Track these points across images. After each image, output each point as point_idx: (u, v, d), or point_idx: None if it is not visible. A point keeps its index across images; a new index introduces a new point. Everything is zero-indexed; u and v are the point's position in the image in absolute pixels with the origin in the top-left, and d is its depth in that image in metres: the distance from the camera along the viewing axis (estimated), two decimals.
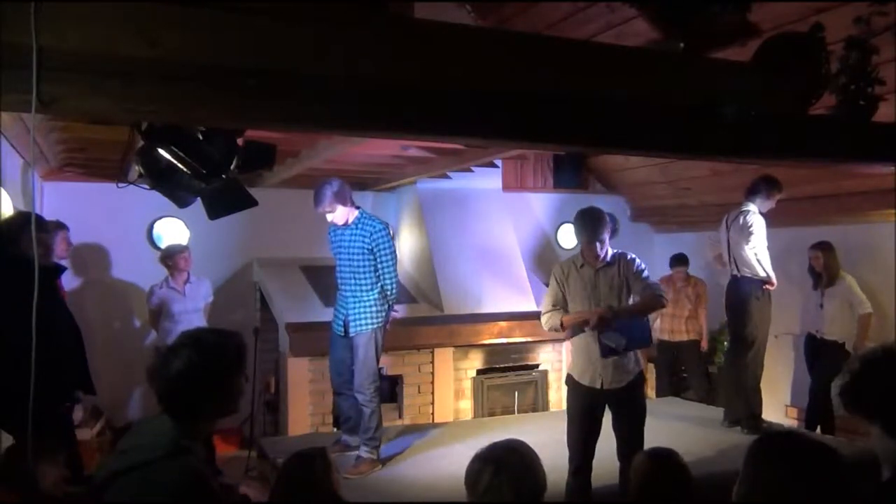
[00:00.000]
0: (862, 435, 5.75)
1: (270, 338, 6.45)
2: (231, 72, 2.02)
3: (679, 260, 6.98)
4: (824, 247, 6.01)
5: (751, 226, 5.27)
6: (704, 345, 6.96)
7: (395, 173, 6.67)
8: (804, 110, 3.05)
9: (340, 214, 4.74)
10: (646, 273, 4.06)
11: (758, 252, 5.29)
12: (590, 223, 3.95)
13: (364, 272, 4.79)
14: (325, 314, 5.22)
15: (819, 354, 6.07)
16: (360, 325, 4.76)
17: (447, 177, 6.81)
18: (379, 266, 4.80)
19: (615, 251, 4.06)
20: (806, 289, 6.27)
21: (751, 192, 5.38)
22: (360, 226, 4.81)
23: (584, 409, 4.09)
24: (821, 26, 2.99)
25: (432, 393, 6.42)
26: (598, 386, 4.04)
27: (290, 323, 5.98)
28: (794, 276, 6.38)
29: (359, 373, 4.74)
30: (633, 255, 4.10)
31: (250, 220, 6.18)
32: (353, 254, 4.79)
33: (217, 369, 2.05)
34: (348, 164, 5.94)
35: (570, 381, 4.20)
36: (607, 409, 4.10)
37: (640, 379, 4.16)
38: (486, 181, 7.13)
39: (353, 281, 4.80)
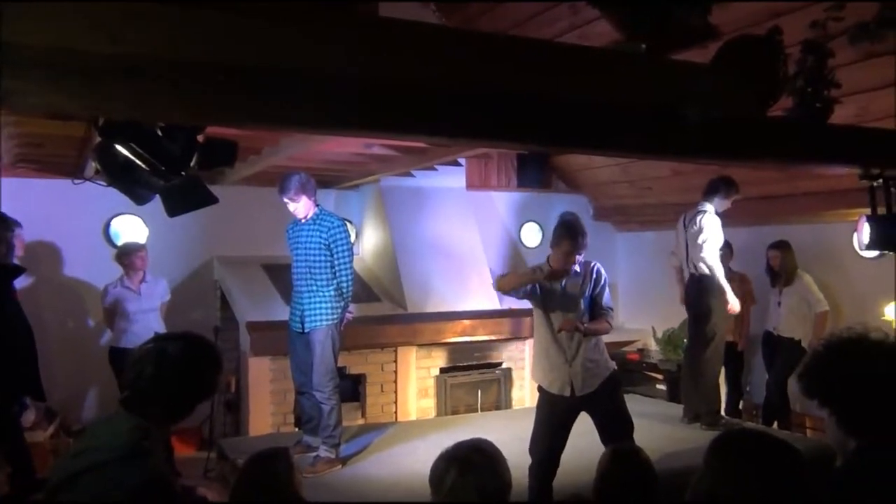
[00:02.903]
0: (817, 430, 5.93)
1: (231, 337, 6.39)
2: (196, 68, 2.00)
3: (724, 246, 6.19)
4: (782, 246, 6.14)
5: (704, 226, 5.36)
6: (742, 346, 6.57)
7: (358, 171, 6.66)
8: (763, 112, 3.12)
9: (303, 207, 4.75)
10: (606, 293, 4.07)
11: (705, 254, 5.32)
12: (574, 233, 3.91)
13: (320, 268, 4.79)
14: (286, 313, 5.19)
15: (776, 351, 6.21)
16: (316, 320, 4.76)
17: (411, 175, 6.82)
18: (336, 263, 4.81)
19: (582, 260, 4.04)
20: (763, 287, 6.41)
21: (708, 192, 5.48)
22: (318, 222, 4.81)
23: (555, 419, 4.01)
24: (778, 29, 3.05)
25: (395, 392, 6.42)
26: (567, 394, 3.98)
27: (251, 322, 5.94)
28: (751, 275, 6.52)
29: (316, 370, 4.73)
30: (600, 268, 4.09)
31: (211, 218, 6.10)
32: (310, 249, 4.79)
33: (195, 375, 2.03)
34: (311, 162, 5.91)
35: (540, 389, 4.14)
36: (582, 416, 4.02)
37: (615, 380, 4.09)
38: (449, 180, 7.15)
39: (309, 277, 4.80)
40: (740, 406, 6.72)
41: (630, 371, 7.74)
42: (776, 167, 4.86)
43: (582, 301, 4.02)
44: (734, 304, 5.37)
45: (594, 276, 4.05)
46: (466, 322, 6.59)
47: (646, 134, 2.89)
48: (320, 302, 4.78)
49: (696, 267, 5.47)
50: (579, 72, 2.66)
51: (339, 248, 4.80)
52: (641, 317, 8.21)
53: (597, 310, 4.03)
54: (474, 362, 6.79)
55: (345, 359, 5.75)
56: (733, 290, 6.43)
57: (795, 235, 6.25)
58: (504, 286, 4.06)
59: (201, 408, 2.37)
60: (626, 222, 8.46)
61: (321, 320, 4.76)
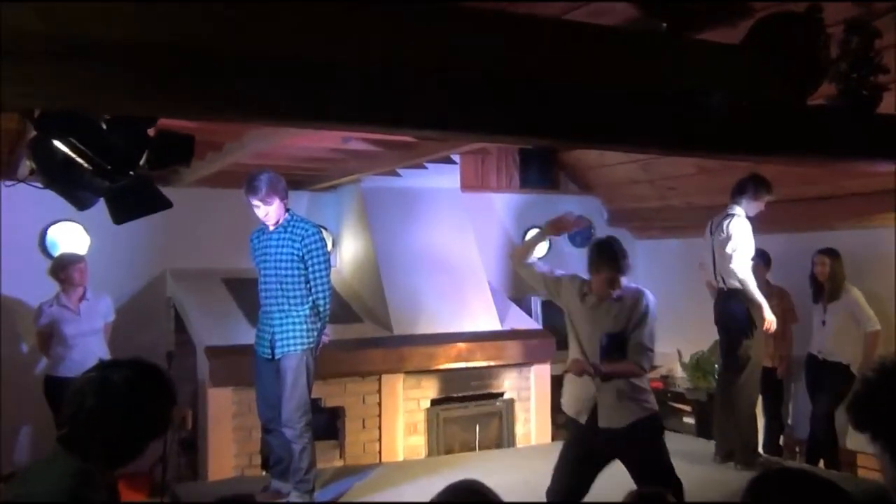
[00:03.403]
0: (869, 470, 5.94)
1: (187, 364, 6.36)
2: (148, 49, 2.02)
3: (758, 257, 6.16)
4: (831, 253, 6.14)
5: (733, 233, 5.39)
6: (783, 373, 6.57)
7: (334, 170, 6.66)
8: (801, 100, 3.15)
9: (275, 211, 4.75)
10: (647, 329, 3.99)
11: (735, 265, 5.33)
12: (614, 257, 3.94)
13: (293, 283, 4.79)
14: (252, 335, 5.19)
15: (821, 378, 6.22)
16: (289, 344, 4.75)
17: (396, 174, 6.83)
18: (310, 277, 4.81)
19: (627, 284, 4.05)
20: (805, 303, 6.43)
21: (736, 193, 5.51)
22: (289, 229, 4.81)
23: (572, 453, 3.98)
24: (818, 6, 3.09)
25: (379, 428, 6.41)
26: (584, 420, 3.94)
27: (211, 346, 5.92)
28: (791, 289, 6.55)
29: (287, 403, 4.72)
30: (650, 302, 4.04)
31: (163, 225, 6.11)
32: (281, 262, 4.79)
33: (143, 408, 2.02)
34: (280, 160, 5.92)
35: (563, 416, 4.15)
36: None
37: (655, 425, 3.99)
38: (442, 180, 7.17)
39: (279, 294, 4.80)
40: (781, 441, 6.73)
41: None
42: (816, 164, 4.89)
43: (620, 329, 3.95)
44: (771, 320, 5.38)
45: (640, 307, 3.98)
46: (462, 345, 6.58)
47: (667, 126, 2.92)
48: (293, 323, 4.78)
49: (724, 280, 5.49)
50: (589, 54, 2.68)
51: (315, 260, 4.80)
52: (665, 339, 8.13)
53: (630, 347, 3.95)
54: (471, 392, 6.78)
55: (320, 389, 5.73)
56: (772, 307, 6.46)
57: (840, 243, 6.27)
58: (515, 258, 4.18)
59: (153, 448, 2.36)
60: (646, 228, 8.48)
61: (294, 345, 4.75)
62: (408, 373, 6.48)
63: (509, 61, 2.52)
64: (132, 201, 3.26)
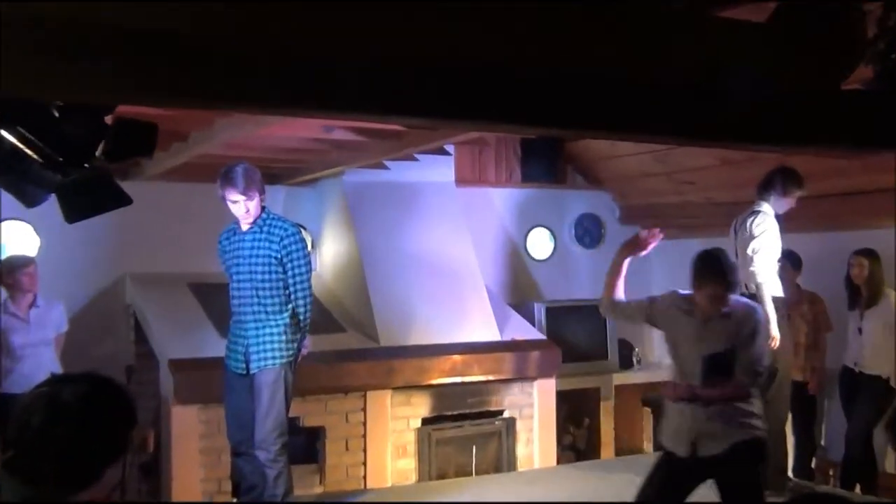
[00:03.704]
0: None
1: (148, 379, 6.36)
2: (107, 30, 2.01)
3: (787, 259, 6.24)
4: (869, 254, 6.16)
5: (755, 229, 5.40)
6: (814, 387, 6.54)
7: (315, 162, 6.66)
8: (835, 84, 3.16)
9: (254, 208, 4.76)
10: (757, 346, 4.10)
11: (757, 267, 5.33)
12: (721, 271, 4.02)
13: (270, 289, 4.80)
14: (221, 347, 5.19)
15: (858, 393, 6.24)
16: (266, 358, 4.76)
17: (384, 167, 6.83)
18: (290, 282, 4.82)
19: (736, 299, 4.15)
20: (840, 309, 6.45)
21: (763, 188, 5.53)
22: (265, 229, 4.81)
23: (669, 481, 4.08)
24: None
25: (364, 450, 6.41)
26: (683, 453, 4.02)
27: (175, 359, 5.92)
28: (825, 294, 6.56)
29: (262, 423, 4.73)
30: (759, 317, 4.17)
31: (122, 224, 6.11)
32: (257, 265, 4.79)
33: (98, 428, 2.01)
34: (254, 151, 5.92)
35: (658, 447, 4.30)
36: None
37: (757, 449, 4.06)
38: (434, 173, 7.17)
39: (255, 301, 4.80)
40: (813, 463, 6.74)
41: None
42: (851, 155, 4.90)
43: (729, 348, 4.05)
44: (773, 337, 5.34)
45: (750, 324, 4.08)
46: (457, 358, 6.59)
47: (685, 112, 2.92)
48: (271, 334, 4.79)
49: (746, 284, 5.51)
50: (598, 33, 2.69)
51: (295, 263, 4.82)
52: None
53: (739, 367, 4.04)
54: (467, 410, 6.79)
55: (298, 407, 5.73)
56: (802, 314, 6.49)
57: (877, 242, 6.29)
58: (605, 306, 4.36)
59: (110, 473, 2.36)
60: (662, 226, 8.46)
61: (273, 358, 4.76)
62: (396, 388, 6.48)
63: (509, 42, 2.52)
64: (87, 197, 3.26)
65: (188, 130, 5.42)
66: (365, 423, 6.42)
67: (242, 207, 4.73)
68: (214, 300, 6.24)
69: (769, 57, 2.97)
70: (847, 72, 3.13)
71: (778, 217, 5.49)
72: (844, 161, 5.69)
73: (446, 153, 7.04)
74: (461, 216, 7.37)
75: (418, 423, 6.61)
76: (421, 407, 6.63)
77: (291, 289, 4.83)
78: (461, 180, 7.65)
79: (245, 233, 4.84)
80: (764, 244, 5.38)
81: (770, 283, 5.39)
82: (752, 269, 5.37)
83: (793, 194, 5.50)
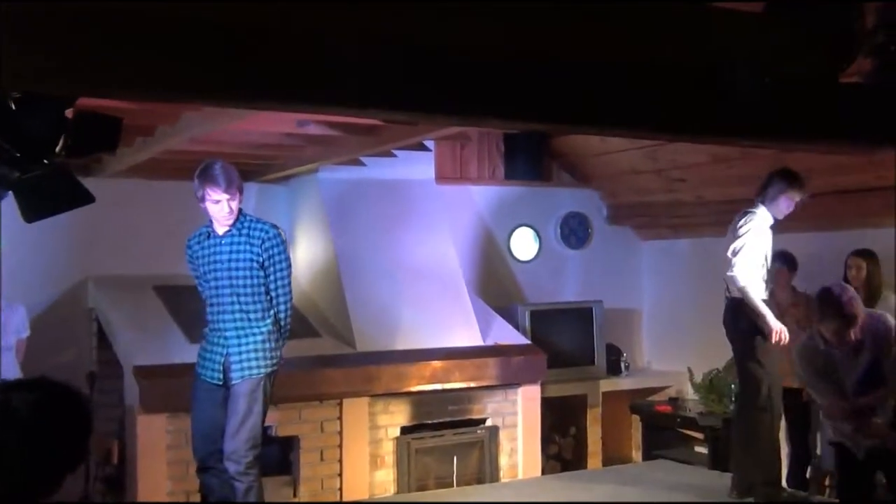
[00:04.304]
0: None
1: (112, 387, 6.33)
2: (68, 12, 1.99)
3: (782, 261, 6.39)
4: (867, 255, 6.20)
5: (739, 230, 5.41)
6: (808, 393, 6.40)
7: (288, 158, 6.64)
8: (832, 78, 3.17)
9: (236, 208, 4.76)
10: None
11: (736, 271, 5.34)
12: (839, 311, 4.42)
13: (252, 295, 4.80)
14: (189, 352, 5.15)
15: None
16: (250, 367, 4.75)
17: (360, 163, 6.82)
18: (272, 286, 4.83)
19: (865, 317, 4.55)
20: None
21: (760, 190, 5.51)
22: (244, 231, 4.80)
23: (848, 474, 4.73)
24: None
25: (340, 460, 6.40)
26: (860, 455, 4.63)
27: (141, 366, 5.88)
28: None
29: (235, 434, 4.71)
30: (888, 320, 4.63)
31: (84, 223, 6.06)
32: (237, 270, 4.78)
33: (52, 438, 1.99)
34: (223, 146, 5.89)
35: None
36: None
37: None
38: (413, 170, 7.16)
39: (237, 308, 4.80)
40: (808, 474, 6.77)
41: (659, 429, 7.79)
42: (850, 151, 4.92)
43: (868, 375, 4.55)
44: (779, 329, 5.39)
45: (881, 332, 4.55)
46: (437, 364, 6.58)
47: (677, 106, 2.93)
48: (254, 342, 4.78)
49: (728, 288, 5.55)
50: (587, 22, 2.68)
51: (278, 267, 4.83)
52: (673, 355, 8.27)
53: (888, 371, 4.51)
54: (448, 419, 6.79)
55: (270, 416, 5.69)
56: (797, 317, 6.50)
57: (876, 242, 6.33)
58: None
59: (72, 486, 2.34)
60: (653, 226, 8.53)
61: (256, 367, 4.76)
62: (374, 396, 6.47)
63: (493, 33, 2.51)
64: (47, 195, 3.24)
65: (154, 124, 5.39)
66: (341, 433, 6.40)
67: (225, 207, 4.69)
68: (181, 303, 6.21)
69: (764, 49, 2.98)
70: (845, 64, 3.14)
71: (777, 221, 5.49)
72: (844, 157, 5.72)
73: (426, 149, 7.04)
74: (442, 215, 7.37)
75: (397, 432, 6.60)
76: (400, 415, 6.62)
77: (273, 294, 4.84)
78: (442, 177, 7.64)
79: (222, 236, 4.81)
80: (743, 246, 5.39)
81: (751, 286, 5.40)
82: (730, 273, 5.38)
83: (789, 196, 5.48)
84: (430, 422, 6.73)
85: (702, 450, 7.32)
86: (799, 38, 3.03)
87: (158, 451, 5.85)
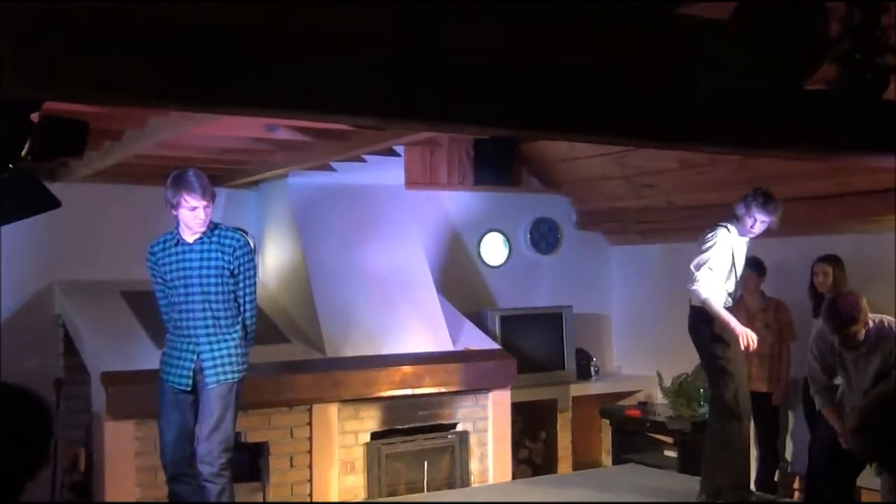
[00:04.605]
0: None
1: (79, 393, 6.28)
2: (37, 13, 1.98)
3: (751, 266, 6.39)
4: (833, 260, 6.26)
5: (703, 245, 5.58)
6: (778, 398, 6.67)
7: (257, 163, 6.62)
8: (798, 84, 3.20)
9: (209, 215, 4.83)
10: None
11: (698, 284, 5.47)
12: (839, 325, 4.77)
13: (224, 302, 4.87)
14: (157, 358, 5.13)
15: None
16: (225, 373, 4.81)
17: (330, 168, 6.81)
18: (241, 294, 4.92)
19: (874, 324, 4.84)
20: (805, 317, 6.54)
21: (734, 207, 5.64)
22: (214, 239, 4.86)
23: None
24: None
25: (310, 466, 6.38)
26: None
27: (108, 372, 5.84)
28: (789, 301, 6.66)
29: (208, 436, 4.74)
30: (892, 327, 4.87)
31: (51, 228, 6.02)
32: (209, 277, 4.84)
33: (10, 443, 1.97)
34: (191, 150, 5.86)
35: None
36: None
37: None
38: (383, 175, 7.16)
39: (209, 315, 4.84)
40: (776, 477, 6.83)
41: (629, 433, 7.83)
42: (816, 157, 4.96)
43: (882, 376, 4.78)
44: (743, 332, 5.46)
45: (888, 339, 4.84)
46: (408, 369, 6.58)
47: (645, 112, 2.95)
48: (227, 348, 4.85)
49: (691, 300, 5.67)
50: (556, 27, 2.69)
51: (247, 275, 4.93)
52: (643, 359, 8.32)
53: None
54: (419, 424, 6.78)
55: (240, 421, 5.67)
56: (767, 322, 6.58)
57: (843, 248, 6.40)
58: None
59: (36, 493, 2.32)
60: (622, 232, 8.57)
61: (231, 373, 4.83)
62: (343, 401, 6.46)
63: (467, 36, 2.52)
64: (12, 200, 3.21)
65: (121, 129, 5.36)
66: (311, 438, 6.38)
67: (201, 214, 4.75)
68: (149, 309, 6.16)
69: (730, 55, 3.00)
70: (811, 71, 3.17)
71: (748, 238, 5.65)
72: (812, 163, 5.78)
73: (396, 154, 7.04)
74: (412, 220, 7.37)
75: (367, 438, 6.59)
76: (370, 421, 6.61)
77: (241, 300, 4.92)
78: (411, 183, 7.65)
79: (192, 244, 4.84)
80: (706, 261, 5.53)
81: (714, 298, 5.51)
82: (692, 287, 5.48)
83: (755, 216, 5.55)
84: (400, 427, 6.72)
85: (671, 454, 7.37)
86: (762, 45, 3.05)
87: (126, 458, 5.82)
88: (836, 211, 6.36)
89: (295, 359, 6.44)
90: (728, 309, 5.56)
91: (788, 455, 7.04)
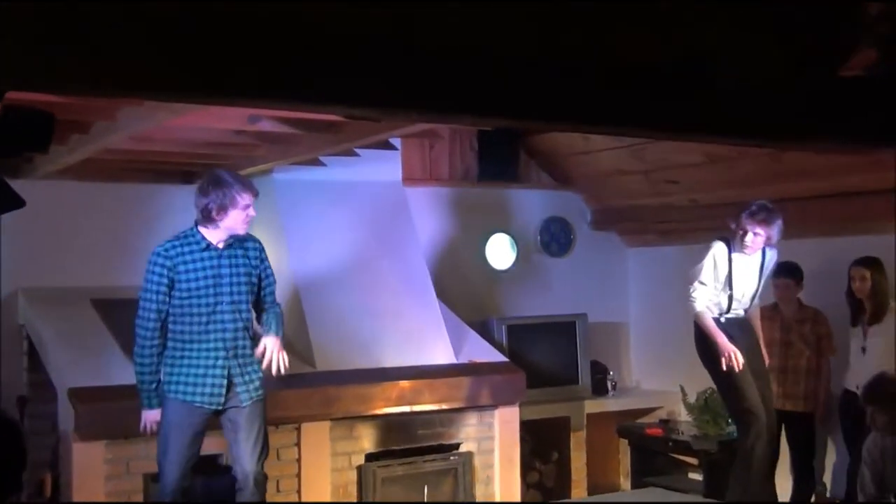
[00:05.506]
0: None
1: (45, 411, 6.30)
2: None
3: (787, 272, 6.52)
4: (872, 263, 6.25)
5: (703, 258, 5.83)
6: (820, 419, 6.67)
7: (240, 158, 6.63)
8: (832, 71, 3.21)
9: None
10: None
11: (691, 293, 5.79)
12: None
13: (248, 311, 5.07)
14: (130, 373, 5.14)
15: (861, 422, 6.32)
16: (257, 388, 5.03)
17: (320, 163, 6.83)
18: (269, 299, 5.21)
19: None
20: (843, 326, 6.54)
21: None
22: (236, 245, 5.04)
23: None
24: None
25: (298, 491, 6.39)
26: None
27: (77, 388, 5.86)
28: (826, 310, 6.67)
29: (254, 455, 4.99)
30: None
31: (14, 230, 6.04)
32: (238, 285, 5.01)
33: None
34: (168, 144, 5.89)
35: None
36: None
37: None
38: (378, 171, 7.18)
39: (240, 326, 5.01)
40: (812, 500, 6.83)
41: (650, 453, 7.83)
42: (852, 150, 4.98)
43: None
44: (728, 353, 5.66)
45: None
46: (406, 384, 6.59)
47: (663, 101, 2.96)
48: (255, 362, 5.06)
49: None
50: (564, 11, 2.71)
51: (271, 280, 5.19)
52: (664, 373, 8.31)
53: None
54: (418, 444, 6.79)
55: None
56: (803, 334, 6.59)
57: (884, 250, 6.38)
58: None
59: None
60: (641, 232, 8.57)
61: (262, 387, 5.08)
62: (335, 420, 6.47)
63: (469, 26, 2.53)
64: None
65: (90, 121, 5.37)
66: (299, 461, 6.40)
67: (252, 212, 4.98)
68: (122, 318, 6.17)
69: (755, 39, 3.01)
70: (844, 56, 3.18)
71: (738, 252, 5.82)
72: (846, 157, 5.78)
73: (392, 148, 7.04)
74: (409, 221, 7.38)
75: (361, 460, 6.60)
76: (364, 441, 6.62)
77: (265, 301, 5.16)
78: (409, 179, 7.66)
79: (222, 249, 4.98)
80: (696, 274, 5.81)
81: (704, 314, 5.80)
82: (689, 301, 5.69)
83: (745, 228, 5.68)
84: (397, 448, 6.73)
85: (696, 476, 7.37)
86: (795, 29, 3.07)
87: (96, 481, 5.83)
88: (876, 209, 6.35)
89: (281, 373, 6.45)
90: (761, 319, 5.72)
91: (826, 478, 7.05)
